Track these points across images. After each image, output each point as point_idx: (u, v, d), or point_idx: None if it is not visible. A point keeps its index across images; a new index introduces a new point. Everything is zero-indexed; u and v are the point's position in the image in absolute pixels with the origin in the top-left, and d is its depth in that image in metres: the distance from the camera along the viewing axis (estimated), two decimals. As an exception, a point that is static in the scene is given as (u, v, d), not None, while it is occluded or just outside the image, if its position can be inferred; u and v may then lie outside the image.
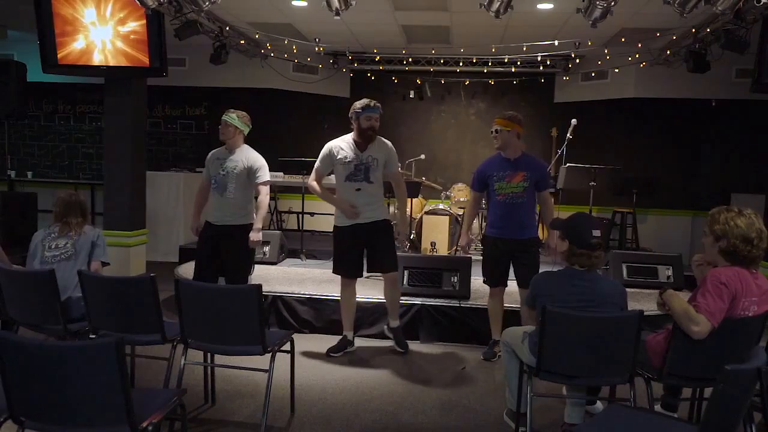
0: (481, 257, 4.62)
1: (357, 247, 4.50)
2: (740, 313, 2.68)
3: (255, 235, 4.54)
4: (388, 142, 4.55)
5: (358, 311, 4.82)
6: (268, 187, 4.63)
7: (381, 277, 4.86)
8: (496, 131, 4.37)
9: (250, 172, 4.56)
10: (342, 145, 4.46)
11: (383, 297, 4.70)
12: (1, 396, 2.16)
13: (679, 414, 3.23)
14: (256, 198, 4.65)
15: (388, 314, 4.75)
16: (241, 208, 4.58)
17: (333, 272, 4.61)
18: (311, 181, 4.60)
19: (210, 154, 4.71)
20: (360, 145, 4.42)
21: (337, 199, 4.52)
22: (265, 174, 4.59)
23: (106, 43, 5.91)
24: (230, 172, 4.53)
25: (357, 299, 4.76)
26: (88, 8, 5.85)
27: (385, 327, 4.84)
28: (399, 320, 4.77)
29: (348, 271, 4.54)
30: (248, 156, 4.59)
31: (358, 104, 4.40)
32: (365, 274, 4.76)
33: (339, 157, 4.43)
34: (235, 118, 4.58)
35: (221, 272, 4.59)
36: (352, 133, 4.47)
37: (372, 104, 4.39)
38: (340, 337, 4.70)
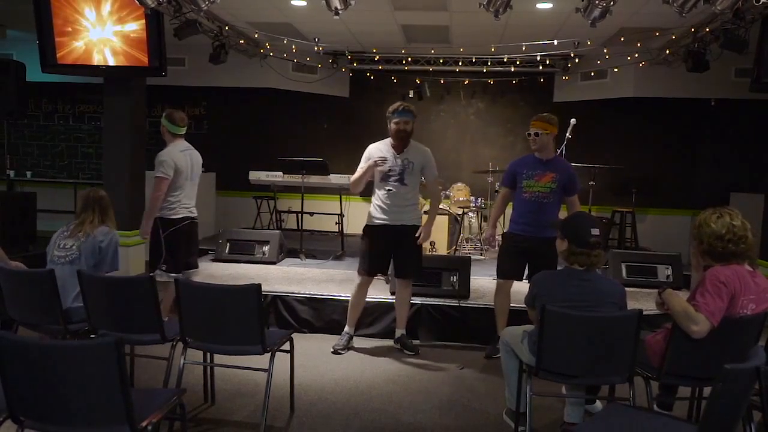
0: (497, 254, 4.63)
1: (382, 247, 4.51)
2: (739, 312, 2.69)
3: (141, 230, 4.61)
4: (427, 149, 4.59)
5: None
6: (156, 181, 4.45)
7: (381, 277, 4.88)
8: (536, 134, 4.37)
9: None
10: (380, 147, 4.54)
11: (383, 298, 4.70)
12: (0, 396, 2.16)
13: (678, 413, 3.23)
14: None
15: (397, 322, 4.77)
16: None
17: (357, 272, 4.61)
18: (352, 179, 4.63)
19: None
20: (396, 147, 4.48)
21: (363, 168, 4.52)
22: (157, 168, 4.48)
23: (105, 42, 5.90)
24: None
25: None
26: (87, 8, 5.84)
27: (394, 341, 4.79)
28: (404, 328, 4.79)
29: (368, 269, 4.55)
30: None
31: (391, 108, 4.48)
32: (397, 277, 4.70)
33: (376, 158, 4.48)
34: (163, 116, 4.65)
35: None
36: (389, 138, 4.53)
37: (401, 108, 4.45)
38: (339, 336, 4.71)
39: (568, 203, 4.49)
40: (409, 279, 4.61)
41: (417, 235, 4.50)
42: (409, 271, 4.57)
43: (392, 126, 4.45)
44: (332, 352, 4.60)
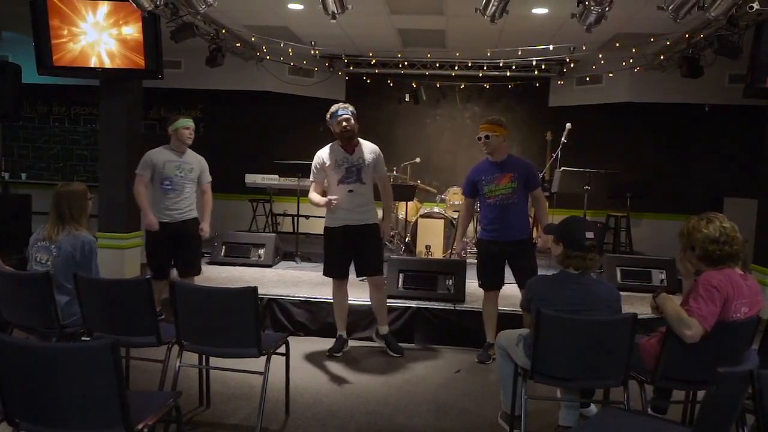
0: (476, 261, 4.65)
1: (346, 249, 4.53)
2: (732, 316, 2.71)
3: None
4: (374, 145, 4.62)
5: (352, 314, 4.85)
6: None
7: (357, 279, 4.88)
8: (486, 137, 4.38)
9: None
10: (328, 151, 4.55)
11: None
12: (-4, 398, 2.16)
13: (672, 416, 3.25)
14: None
15: (377, 320, 4.76)
16: None
17: (323, 274, 4.65)
18: (311, 194, 4.63)
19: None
20: (346, 147, 4.49)
21: (317, 198, 4.56)
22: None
23: (101, 45, 5.90)
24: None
25: (351, 302, 4.79)
26: (83, 10, 5.84)
27: (374, 334, 4.86)
28: (388, 326, 4.78)
29: (337, 272, 4.58)
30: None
31: (331, 110, 4.50)
32: (359, 277, 4.78)
33: (329, 163, 4.48)
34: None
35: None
36: (336, 141, 4.55)
37: (340, 107, 4.49)
38: (335, 339, 4.71)
39: (533, 198, 4.55)
40: (378, 276, 4.61)
41: (381, 234, 4.58)
42: (378, 269, 4.58)
43: (335, 128, 4.46)
44: (327, 356, 4.60)
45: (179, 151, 4.83)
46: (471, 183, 4.54)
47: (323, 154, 4.55)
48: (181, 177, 4.80)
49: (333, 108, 4.50)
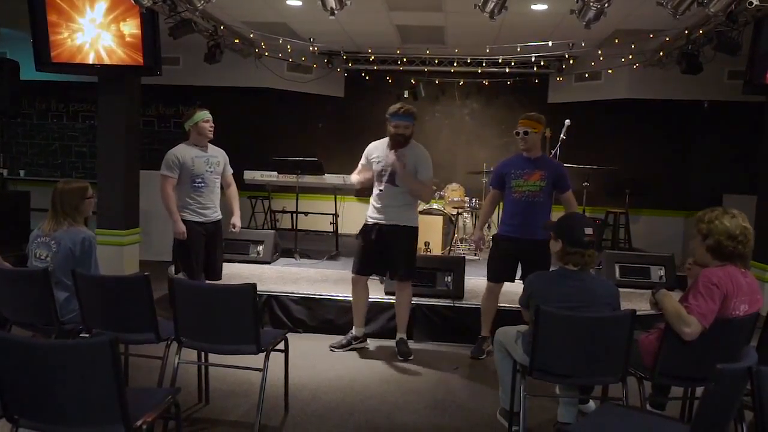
0: (487, 255, 4.62)
1: (374, 246, 4.46)
2: (732, 313, 2.71)
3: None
4: (424, 150, 4.52)
5: (351, 310, 4.82)
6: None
7: (376, 278, 4.86)
8: (525, 133, 4.37)
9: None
10: (378, 145, 4.55)
11: (379, 298, 4.70)
12: (-6, 395, 2.16)
13: (670, 413, 3.25)
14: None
15: (398, 326, 4.69)
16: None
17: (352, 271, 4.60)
18: (353, 175, 4.66)
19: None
20: (393, 148, 4.43)
21: (354, 177, 4.64)
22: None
23: (100, 41, 5.89)
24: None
25: (349, 297, 4.76)
26: (82, 6, 5.83)
27: (396, 347, 4.66)
28: (405, 333, 4.72)
29: (355, 266, 4.55)
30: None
31: (391, 109, 4.44)
32: (389, 278, 4.74)
33: (372, 157, 4.51)
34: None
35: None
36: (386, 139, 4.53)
37: (401, 111, 4.39)
38: (333, 336, 4.73)
39: (563, 201, 4.46)
40: (404, 281, 4.56)
41: (409, 237, 4.50)
42: (402, 273, 4.52)
43: (390, 129, 4.41)
44: (330, 349, 4.61)
45: (202, 145, 4.63)
46: (499, 175, 4.50)
47: (371, 145, 4.58)
48: (211, 172, 4.63)
49: (395, 108, 4.42)
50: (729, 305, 2.69)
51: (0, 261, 3.71)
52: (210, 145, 4.71)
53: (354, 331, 4.70)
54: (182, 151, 4.56)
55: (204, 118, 4.59)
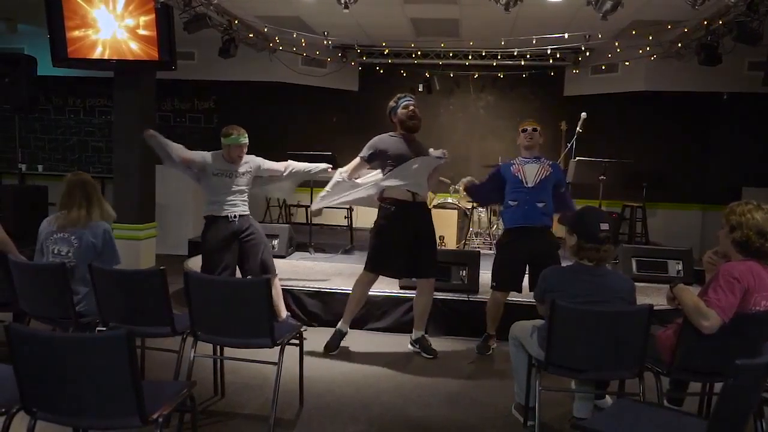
0: (494, 254, 4.58)
1: (401, 237, 4.31)
2: (752, 308, 2.67)
3: None
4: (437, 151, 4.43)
5: (366, 304, 4.79)
6: None
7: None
8: (534, 130, 4.38)
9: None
10: (386, 139, 4.39)
11: (393, 292, 4.66)
12: (13, 387, 2.18)
13: (688, 408, 3.22)
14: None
15: (414, 324, 4.60)
16: None
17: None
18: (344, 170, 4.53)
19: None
20: (407, 138, 4.33)
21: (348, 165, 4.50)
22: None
23: (115, 36, 5.93)
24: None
25: (371, 293, 4.69)
26: (97, 2, 5.87)
27: (410, 344, 4.61)
28: (424, 330, 4.62)
29: (378, 264, 4.43)
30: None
31: (392, 101, 4.39)
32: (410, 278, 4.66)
33: (389, 152, 4.32)
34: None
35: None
36: (394, 132, 4.41)
37: (406, 95, 4.39)
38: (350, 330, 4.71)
39: (563, 200, 4.42)
40: (430, 278, 4.44)
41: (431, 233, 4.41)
42: (428, 271, 4.40)
43: (401, 115, 4.29)
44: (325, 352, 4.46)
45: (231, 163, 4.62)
46: (500, 175, 4.40)
47: (381, 142, 4.37)
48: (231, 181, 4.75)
49: (399, 95, 4.38)
50: (750, 300, 2.65)
51: (17, 254, 3.75)
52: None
53: (342, 327, 4.53)
54: (212, 159, 4.57)
55: (237, 142, 4.53)
